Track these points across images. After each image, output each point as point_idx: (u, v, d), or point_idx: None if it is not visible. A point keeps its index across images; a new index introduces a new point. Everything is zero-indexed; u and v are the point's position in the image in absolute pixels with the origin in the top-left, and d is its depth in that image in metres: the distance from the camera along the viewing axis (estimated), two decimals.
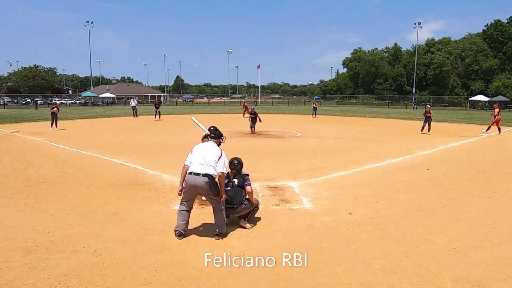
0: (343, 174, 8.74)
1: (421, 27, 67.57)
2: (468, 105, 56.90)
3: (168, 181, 7.91)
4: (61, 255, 4.22)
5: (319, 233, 4.99)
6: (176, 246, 4.56)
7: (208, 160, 4.74)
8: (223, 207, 4.90)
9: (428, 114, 17.73)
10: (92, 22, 66.50)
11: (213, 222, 4.92)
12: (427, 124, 17.79)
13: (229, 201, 5.08)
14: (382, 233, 5.02)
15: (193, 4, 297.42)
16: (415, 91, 67.21)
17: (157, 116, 26.92)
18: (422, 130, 17.82)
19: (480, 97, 58.35)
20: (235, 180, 5.22)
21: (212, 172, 4.71)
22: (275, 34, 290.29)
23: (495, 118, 17.99)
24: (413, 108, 49.01)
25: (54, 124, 18.72)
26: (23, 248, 4.40)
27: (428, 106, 18.17)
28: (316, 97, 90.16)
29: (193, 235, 4.89)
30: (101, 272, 3.84)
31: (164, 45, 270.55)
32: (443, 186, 7.69)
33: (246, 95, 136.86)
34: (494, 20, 68.10)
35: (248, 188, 5.21)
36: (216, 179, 4.74)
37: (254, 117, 17.45)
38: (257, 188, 7.35)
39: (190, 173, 4.73)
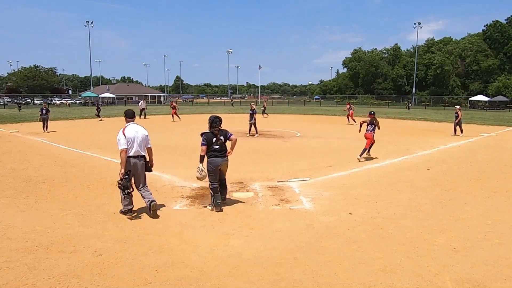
0: (343, 174, 8.74)
1: (421, 27, 67.70)
2: (468, 105, 56.92)
3: (168, 181, 7.91)
4: (61, 255, 4.23)
5: (319, 233, 4.99)
6: (176, 246, 4.56)
7: (141, 143, 5.65)
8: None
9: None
10: (92, 22, 66.55)
11: (211, 222, 4.92)
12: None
13: (221, 153, 5.94)
14: (382, 233, 5.02)
15: (193, 4, 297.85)
16: (415, 91, 67.17)
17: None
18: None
19: (480, 97, 58.37)
20: (222, 138, 6.00)
21: (143, 152, 5.70)
22: (275, 34, 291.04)
23: (349, 111, 23.91)
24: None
25: (44, 126, 17.76)
26: (23, 248, 4.40)
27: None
28: (316, 97, 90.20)
29: (193, 235, 4.89)
30: (101, 272, 3.84)
31: (164, 45, 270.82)
32: (443, 186, 7.69)
33: (246, 95, 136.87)
34: (493, 21, 68.05)
35: (233, 137, 6.10)
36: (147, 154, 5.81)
37: (252, 114, 17.33)
38: (257, 188, 7.36)
39: (130, 156, 5.55)
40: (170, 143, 14.13)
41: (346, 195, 6.87)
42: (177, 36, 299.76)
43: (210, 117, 6.05)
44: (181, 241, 4.70)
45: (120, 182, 5.44)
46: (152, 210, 5.49)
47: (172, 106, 27.42)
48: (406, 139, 16.16)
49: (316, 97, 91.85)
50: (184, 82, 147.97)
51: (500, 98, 56.65)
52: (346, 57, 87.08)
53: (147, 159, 5.78)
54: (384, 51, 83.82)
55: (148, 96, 75.92)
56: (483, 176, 8.70)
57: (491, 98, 57.51)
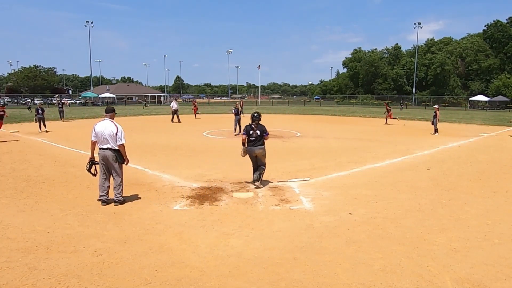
0: (343, 174, 8.74)
1: (421, 27, 67.71)
2: (468, 105, 56.93)
3: (168, 181, 7.91)
4: (61, 255, 4.22)
5: (319, 233, 4.99)
6: (176, 246, 4.56)
7: (109, 137, 6.06)
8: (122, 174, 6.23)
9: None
10: (92, 22, 66.72)
11: (211, 222, 4.90)
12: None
13: (256, 143, 7.27)
14: (382, 233, 5.02)
15: (193, 4, 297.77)
16: (415, 91, 67.13)
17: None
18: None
19: (480, 97, 58.35)
20: (258, 132, 7.24)
21: (114, 146, 6.07)
22: (275, 34, 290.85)
23: (194, 107, 29.62)
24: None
25: (41, 125, 17.69)
26: (23, 248, 4.40)
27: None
28: (317, 97, 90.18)
29: (193, 235, 4.89)
30: (101, 272, 3.84)
31: (164, 45, 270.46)
32: (443, 186, 7.68)
33: (246, 95, 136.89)
34: (494, 21, 68.10)
35: (266, 137, 7.43)
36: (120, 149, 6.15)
37: (236, 112, 17.27)
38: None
39: (100, 148, 6.10)
40: (170, 143, 14.13)
41: (346, 195, 6.87)
42: (177, 36, 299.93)
43: (251, 114, 7.42)
44: (181, 241, 4.69)
45: (86, 165, 6.40)
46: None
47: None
48: (406, 139, 16.16)
49: (316, 97, 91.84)
50: (184, 82, 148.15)
51: (500, 98, 56.66)
52: (346, 57, 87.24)
53: (121, 152, 6.20)
54: (385, 51, 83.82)
55: (148, 96, 75.91)
56: (483, 176, 8.70)
57: (491, 98, 57.51)
